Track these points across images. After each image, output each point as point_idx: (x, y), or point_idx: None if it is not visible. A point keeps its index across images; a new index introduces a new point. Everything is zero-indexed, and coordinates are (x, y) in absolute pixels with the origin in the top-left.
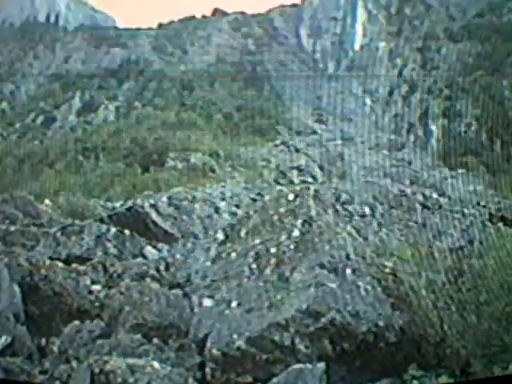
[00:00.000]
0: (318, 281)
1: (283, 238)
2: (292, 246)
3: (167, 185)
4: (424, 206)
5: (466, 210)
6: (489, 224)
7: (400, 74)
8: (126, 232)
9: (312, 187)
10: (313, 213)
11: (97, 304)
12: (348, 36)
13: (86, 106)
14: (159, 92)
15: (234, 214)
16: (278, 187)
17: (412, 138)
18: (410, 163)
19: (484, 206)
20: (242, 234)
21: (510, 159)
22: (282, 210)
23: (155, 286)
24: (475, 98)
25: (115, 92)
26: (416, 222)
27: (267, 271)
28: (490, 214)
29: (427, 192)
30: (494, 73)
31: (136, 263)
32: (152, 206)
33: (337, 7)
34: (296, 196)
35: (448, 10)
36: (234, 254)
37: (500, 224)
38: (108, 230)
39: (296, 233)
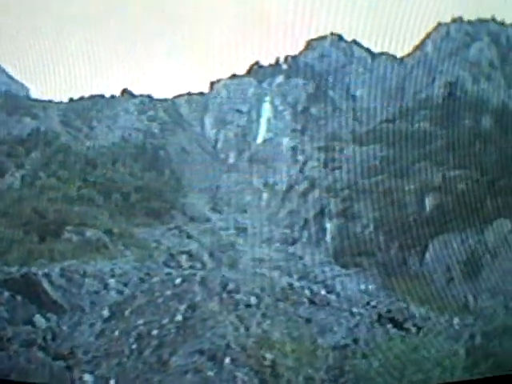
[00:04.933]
0: (196, 367)
1: (166, 321)
2: (173, 330)
3: (61, 256)
4: (311, 302)
5: (354, 309)
6: (377, 325)
7: (301, 170)
8: (19, 298)
9: (200, 273)
10: (198, 299)
11: None
12: (252, 129)
13: None
14: (64, 165)
15: (121, 293)
16: (167, 270)
17: (306, 234)
18: (301, 258)
19: (374, 307)
20: (127, 313)
21: (406, 263)
22: (167, 292)
23: (41, 355)
24: (375, 200)
25: (22, 160)
26: (301, 317)
27: (147, 353)
28: (380, 315)
29: (316, 288)
30: (398, 178)
31: (25, 330)
32: (45, 275)
33: (243, 100)
34: (183, 280)
35: (356, 114)
36: (117, 332)
37: (389, 326)
38: (1, 294)
39: (179, 317)
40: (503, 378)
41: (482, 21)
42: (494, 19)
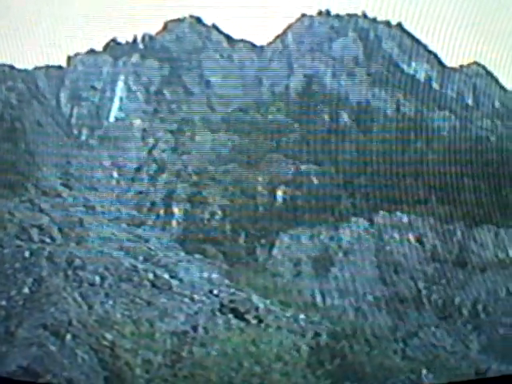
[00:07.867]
0: (40, 341)
1: (14, 292)
2: (21, 303)
3: None
4: (153, 285)
5: (196, 296)
6: (218, 314)
7: (150, 152)
8: None
9: (48, 248)
10: (44, 273)
11: None
12: (104, 107)
13: None
14: None
15: None
16: (18, 242)
17: (153, 216)
18: (147, 241)
19: (216, 295)
20: None
21: (253, 253)
22: (17, 265)
23: None
24: (224, 188)
25: None
26: (142, 300)
27: None
28: (222, 304)
29: (159, 271)
30: (249, 168)
31: None
32: None
33: (98, 77)
34: (32, 254)
35: (209, 100)
36: None
37: (230, 316)
38: None
39: (26, 290)
40: (503, 377)
41: (351, 16)
42: (364, 15)
